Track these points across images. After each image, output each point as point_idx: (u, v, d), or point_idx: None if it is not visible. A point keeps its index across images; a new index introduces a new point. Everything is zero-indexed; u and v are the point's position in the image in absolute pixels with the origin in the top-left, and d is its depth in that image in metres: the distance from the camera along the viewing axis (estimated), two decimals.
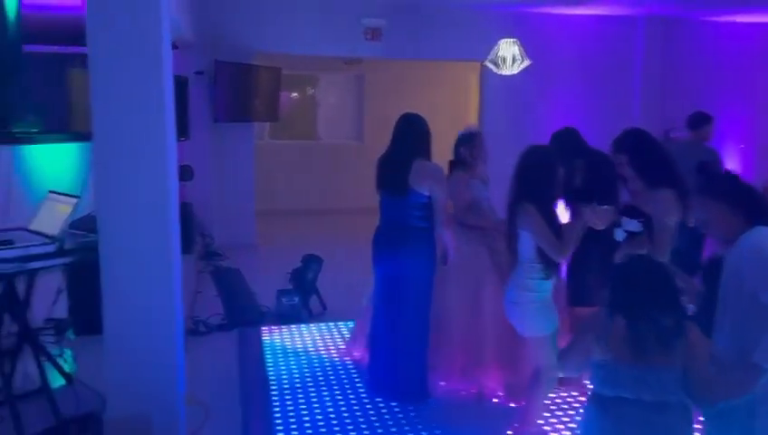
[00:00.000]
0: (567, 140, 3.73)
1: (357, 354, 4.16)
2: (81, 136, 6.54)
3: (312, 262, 5.23)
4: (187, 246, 5.25)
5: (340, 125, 10.41)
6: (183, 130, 6.08)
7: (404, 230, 3.48)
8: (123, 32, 2.69)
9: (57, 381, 3.46)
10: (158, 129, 2.77)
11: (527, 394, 3.12)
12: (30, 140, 5.81)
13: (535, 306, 2.91)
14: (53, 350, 3.79)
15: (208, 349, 4.37)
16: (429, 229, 3.49)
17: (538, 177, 2.88)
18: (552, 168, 2.90)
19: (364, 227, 8.84)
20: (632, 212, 2.92)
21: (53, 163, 5.96)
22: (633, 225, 2.80)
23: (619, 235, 2.89)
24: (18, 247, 2.85)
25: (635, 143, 3.14)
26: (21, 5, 3.69)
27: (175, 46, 3.68)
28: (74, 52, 8.12)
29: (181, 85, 6.13)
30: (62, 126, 6.96)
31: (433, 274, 3.51)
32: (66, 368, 3.59)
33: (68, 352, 3.96)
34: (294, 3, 7.18)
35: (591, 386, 2.24)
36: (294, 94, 10.32)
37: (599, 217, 2.91)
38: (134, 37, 2.71)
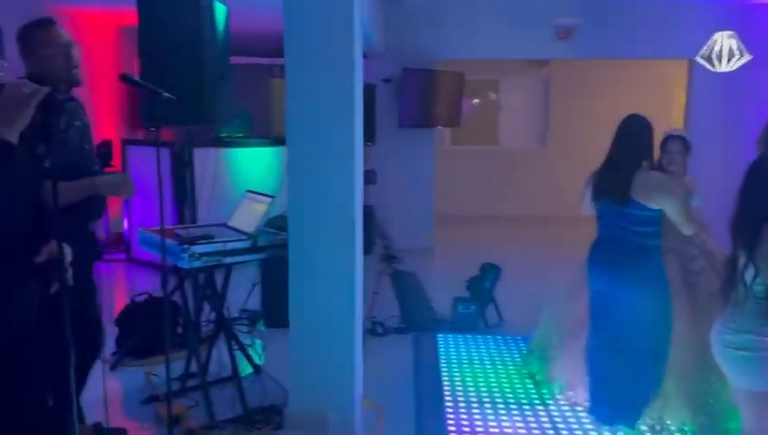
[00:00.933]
0: None
1: (533, 370, 3.93)
2: (280, 141, 7.04)
3: (490, 271, 5.07)
4: (367, 248, 5.37)
5: (522, 129, 10.10)
6: (370, 135, 6.25)
7: (624, 249, 3.05)
8: (318, 42, 2.78)
9: (246, 370, 3.69)
10: (347, 134, 2.82)
11: None
12: (234, 143, 6.40)
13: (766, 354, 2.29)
14: (245, 340, 4.06)
15: (385, 351, 4.40)
16: (657, 249, 3.03)
17: None
18: None
19: (546, 237, 8.52)
20: None
21: (255, 165, 6.48)
22: None
23: None
24: (217, 242, 3.06)
25: None
26: (229, 19, 3.98)
27: (365, 55, 3.77)
28: (276, 63, 8.81)
29: (369, 92, 6.33)
30: (263, 131, 7.57)
31: (663, 301, 3.05)
32: (256, 358, 3.81)
33: (258, 343, 4.22)
34: (480, 8, 7.07)
35: None
36: (475, 100, 10.21)
37: None
38: (328, 47, 2.78)
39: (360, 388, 3.07)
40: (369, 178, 6.24)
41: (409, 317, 4.99)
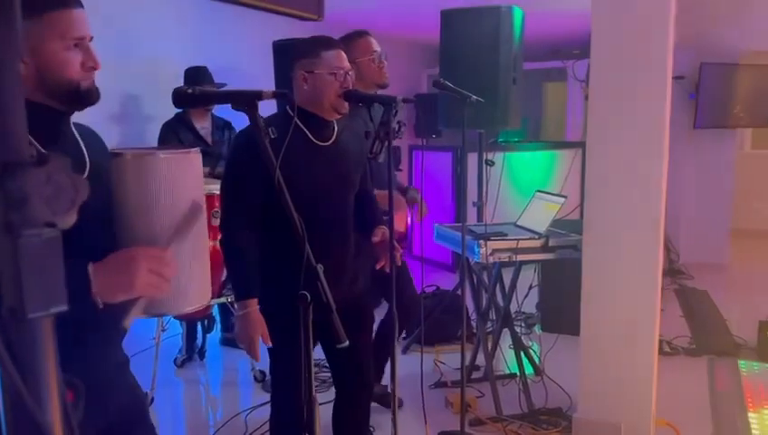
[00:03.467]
0: None
1: None
2: (553, 145, 6.97)
3: None
4: None
5: None
6: None
7: None
8: (629, 37, 2.66)
9: (527, 369, 3.70)
10: (657, 136, 2.66)
11: None
12: (513, 147, 6.50)
13: None
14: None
15: (675, 371, 4.04)
16: None
17: None
18: None
19: None
20: None
21: (530, 169, 6.51)
22: None
23: None
24: (511, 239, 3.12)
25: None
26: (524, 24, 4.03)
27: None
28: (549, 67, 8.73)
29: None
30: (536, 136, 7.54)
31: None
32: (536, 360, 3.80)
33: (535, 346, 4.21)
34: None
35: None
36: None
37: None
38: (640, 41, 2.65)
39: (654, 404, 2.87)
40: None
41: (701, 339, 4.52)
